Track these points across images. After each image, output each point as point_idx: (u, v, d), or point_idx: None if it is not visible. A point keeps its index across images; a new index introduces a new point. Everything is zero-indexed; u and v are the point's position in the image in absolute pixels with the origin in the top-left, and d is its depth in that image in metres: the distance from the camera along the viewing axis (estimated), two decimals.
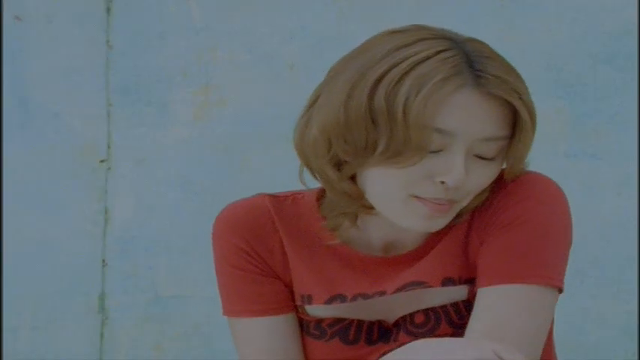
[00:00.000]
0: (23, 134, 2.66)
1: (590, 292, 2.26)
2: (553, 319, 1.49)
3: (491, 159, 1.34)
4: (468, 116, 1.30)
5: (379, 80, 1.30)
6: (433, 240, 1.41)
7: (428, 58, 1.30)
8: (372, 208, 1.38)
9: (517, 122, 1.33)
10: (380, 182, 1.33)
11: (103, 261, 2.62)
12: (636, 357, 2.23)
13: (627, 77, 2.26)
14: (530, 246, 1.34)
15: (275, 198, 1.47)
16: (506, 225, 1.35)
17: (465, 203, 1.35)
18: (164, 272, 2.59)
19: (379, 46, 1.33)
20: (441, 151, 1.31)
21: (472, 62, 1.32)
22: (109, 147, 2.63)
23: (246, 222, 1.46)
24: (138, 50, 2.61)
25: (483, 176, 1.34)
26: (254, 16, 2.53)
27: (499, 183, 1.38)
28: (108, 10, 2.63)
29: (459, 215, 1.39)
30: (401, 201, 1.32)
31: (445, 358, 1.18)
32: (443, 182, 1.30)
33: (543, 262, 1.33)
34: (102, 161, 2.63)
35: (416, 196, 1.32)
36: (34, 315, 2.66)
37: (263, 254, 1.46)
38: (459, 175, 1.29)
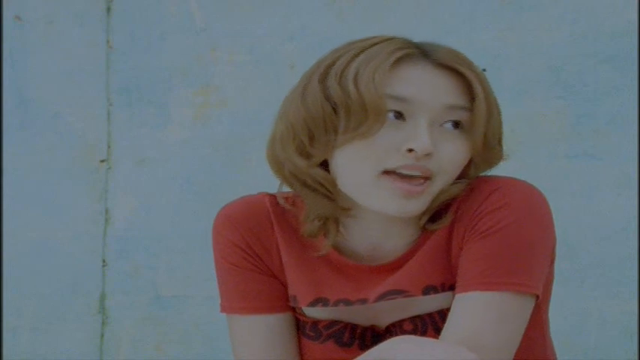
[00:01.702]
0: (23, 134, 2.66)
1: (590, 292, 2.26)
2: (548, 319, 1.49)
3: (457, 131, 1.36)
4: (420, 84, 1.34)
5: (330, 66, 1.37)
6: (415, 248, 1.41)
7: (376, 43, 1.37)
8: (349, 209, 1.40)
9: (472, 93, 1.37)
10: (349, 162, 1.35)
11: (103, 261, 2.63)
12: (636, 357, 2.23)
13: (627, 77, 2.25)
14: (505, 254, 1.34)
15: (275, 198, 1.48)
16: (483, 232, 1.36)
17: (438, 184, 1.36)
18: (164, 272, 2.59)
19: (334, 49, 1.41)
20: (404, 121, 1.34)
21: (420, 46, 1.39)
22: (109, 147, 2.63)
23: (245, 220, 1.47)
24: (138, 50, 2.61)
25: (452, 149, 1.36)
26: (254, 17, 2.53)
27: (479, 189, 1.39)
28: (108, 10, 2.63)
29: (438, 220, 1.40)
30: (373, 180, 1.34)
31: (423, 358, 1.19)
32: (410, 150, 1.32)
33: (518, 269, 1.34)
34: (102, 161, 2.63)
35: (387, 172, 1.33)
36: (34, 315, 2.66)
37: (260, 253, 1.47)
38: (423, 139, 1.32)
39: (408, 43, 1.38)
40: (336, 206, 1.40)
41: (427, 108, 1.34)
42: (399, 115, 1.34)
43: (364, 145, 1.33)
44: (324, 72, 1.37)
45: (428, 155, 1.33)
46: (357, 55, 1.36)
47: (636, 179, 2.24)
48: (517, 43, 2.32)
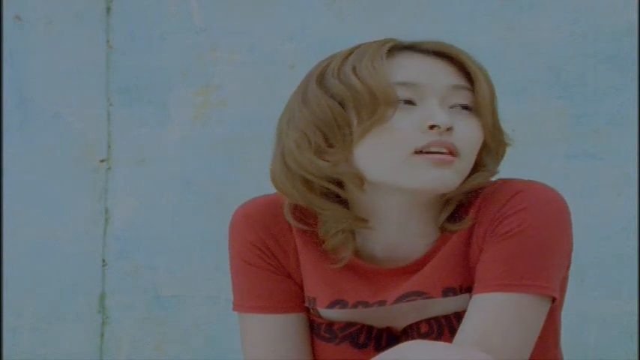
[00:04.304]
0: (23, 134, 2.66)
1: (590, 292, 2.26)
2: (560, 322, 1.49)
3: (467, 112, 1.38)
4: (421, 69, 1.37)
5: (325, 70, 1.39)
6: (434, 250, 1.41)
7: (363, 44, 1.40)
8: (365, 221, 1.40)
9: (470, 76, 1.40)
10: (375, 150, 1.36)
11: (103, 261, 2.62)
12: (636, 357, 2.23)
13: (627, 77, 2.25)
14: (524, 256, 1.35)
15: None
16: (503, 235, 1.37)
17: (464, 161, 1.37)
18: (164, 272, 2.59)
19: (320, 60, 1.44)
20: (415, 106, 1.36)
21: (406, 41, 1.42)
22: (109, 147, 2.63)
23: (263, 219, 1.47)
24: (138, 50, 2.61)
25: (467, 127, 1.38)
26: (254, 17, 2.53)
27: (500, 192, 1.40)
28: (108, 10, 2.63)
29: (458, 221, 1.40)
30: (405, 160, 1.35)
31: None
32: (432, 127, 1.34)
33: (536, 272, 1.35)
34: (102, 161, 2.63)
35: (417, 152, 1.34)
36: (34, 315, 2.66)
37: (276, 252, 1.46)
38: (441, 114, 1.34)
39: (393, 39, 1.41)
40: (354, 217, 1.40)
41: (434, 90, 1.37)
42: (410, 102, 1.36)
43: (383, 130, 1.34)
44: (320, 76, 1.39)
45: (449, 130, 1.35)
46: (348, 55, 1.39)
47: (636, 179, 2.24)
48: (517, 43, 2.31)
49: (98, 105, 2.63)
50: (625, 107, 2.26)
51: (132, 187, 2.61)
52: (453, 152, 1.35)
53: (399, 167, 1.35)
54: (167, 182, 2.59)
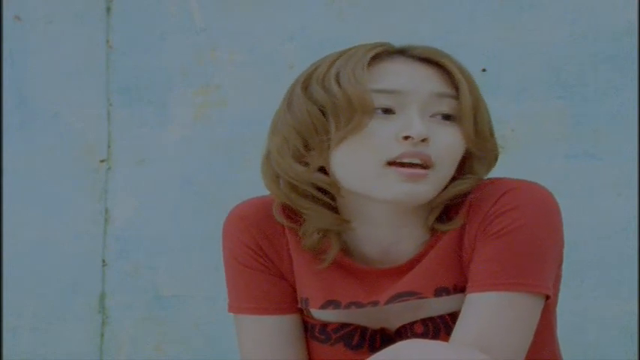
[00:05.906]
0: (23, 134, 2.66)
1: (590, 292, 2.26)
2: (556, 320, 1.50)
3: (448, 122, 1.38)
4: (404, 75, 1.37)
5: (311, 74, 1.40)
6: (426, 250, 1.41)
7: (353, 48, 1.40)
8: (348, 222, 1.40)
9: (455, 83, 1.39)
10: (349, 158, 1.36)
11: (103, 261, 2.62)
12: (636, 357, 2.23)
13: (627, 77, 2.25)
14: (516, 255, 1.35)
15: None
16: (494, 234, 1.37)
17: (440, 172, 1.37)
18: (164, 272, 2.59)
19: (312, 63, 1.44)
20: (394, 114, 1.36)
21: (396, 45, 1.42)
22: (109, 147, 2.63)
23: (257, 221, 1.47)
24: (138, 50, 2.61)
25: (446, 137, 1.37)
26: (254, 17, 2.53)
27: (491, 191, 1.40)
28: (108, 10, 2.63)
29: (449, 221, 1.40)
30: (377, 171, 1.35)
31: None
32: (406, 138, 1.34)
33: (529, 270, 1.35)
34: (102, 161, 2.63)
35: (390, 163, 1.34)
36: (34, 315, 2.66)
37: (270, 254, 1.47)
38: (417, 125, 1.34)
39: (383, 43, 1.41)
40: (336, 218, 1.40)
41: (415, 97, 1.36)
42: (389, 110, 1.35)
43: (359, 138, 1.34)
44: (306, 81, 1.40)
45: (424, 141, 1.34)
46: (335, 60, 1.39)
47: (636, 179, 2.24)
48: (517, 43, 2.31)
49: (98, 105, 2.63)
50: (625, 107, 2.26)
51: (132, 187, 2.61)
52: (427, 163, 1.35)
53: (370, 178, 1.35)
54: (167, 182, 2.59)
